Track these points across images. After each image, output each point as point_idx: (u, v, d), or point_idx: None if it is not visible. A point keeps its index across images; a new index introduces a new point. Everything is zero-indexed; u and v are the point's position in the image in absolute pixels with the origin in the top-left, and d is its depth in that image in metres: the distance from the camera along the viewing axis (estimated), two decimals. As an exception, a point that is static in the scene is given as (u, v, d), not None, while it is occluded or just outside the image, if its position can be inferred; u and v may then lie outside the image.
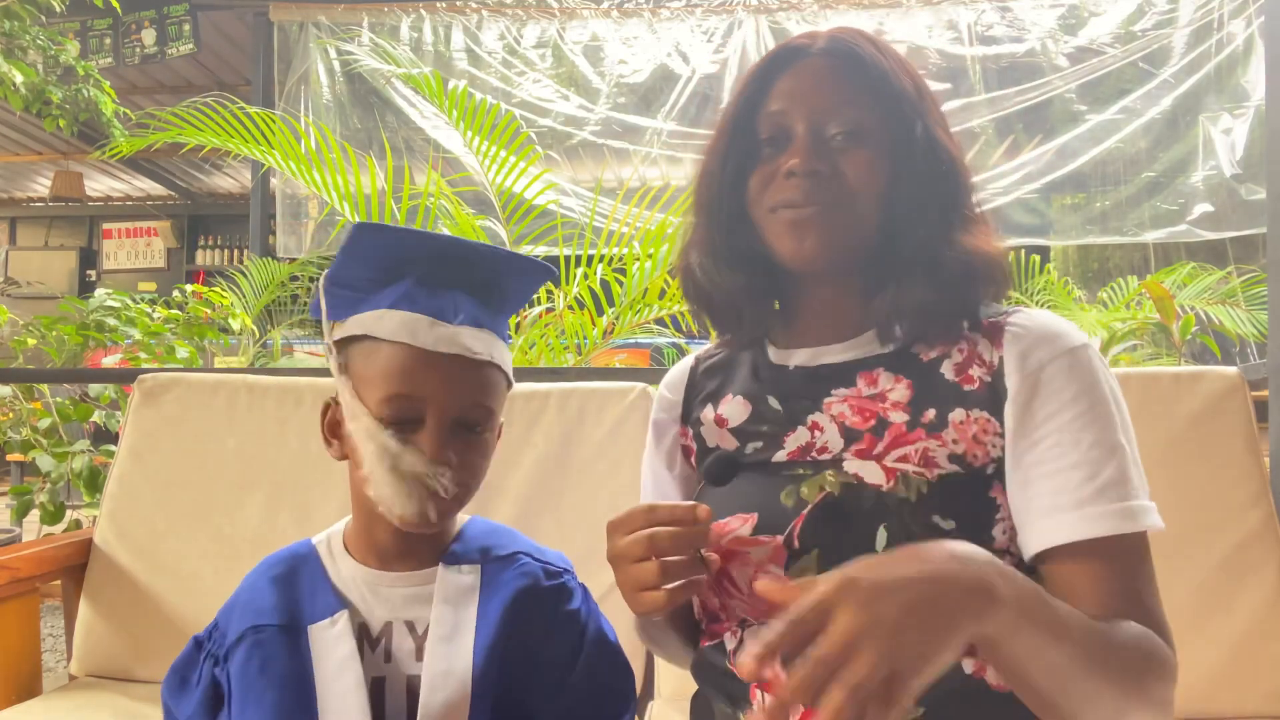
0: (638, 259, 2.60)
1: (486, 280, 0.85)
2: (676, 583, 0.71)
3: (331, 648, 0.81)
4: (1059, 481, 0.73)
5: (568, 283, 2.68)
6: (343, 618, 0.82)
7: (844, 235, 0.80)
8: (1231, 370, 1.33)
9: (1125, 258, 4.65)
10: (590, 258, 2.70)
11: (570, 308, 2.66)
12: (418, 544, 0.85)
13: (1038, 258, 3.99)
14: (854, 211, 0.80)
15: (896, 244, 0.81)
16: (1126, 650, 0.69)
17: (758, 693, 0.78)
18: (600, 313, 2.62)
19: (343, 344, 0.84)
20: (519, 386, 1.52)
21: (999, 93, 3.94)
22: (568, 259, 2.73)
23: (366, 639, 0.83)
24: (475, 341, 0.81)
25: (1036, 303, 3.93)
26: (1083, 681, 0.65)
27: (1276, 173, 1.52)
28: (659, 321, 2.75)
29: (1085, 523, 0.72)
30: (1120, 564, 0.72)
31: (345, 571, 0.86)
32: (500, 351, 0.84)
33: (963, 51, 3.97)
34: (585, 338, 2.60)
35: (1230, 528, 1.27)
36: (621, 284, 2.62)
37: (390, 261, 0.82)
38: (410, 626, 0.83)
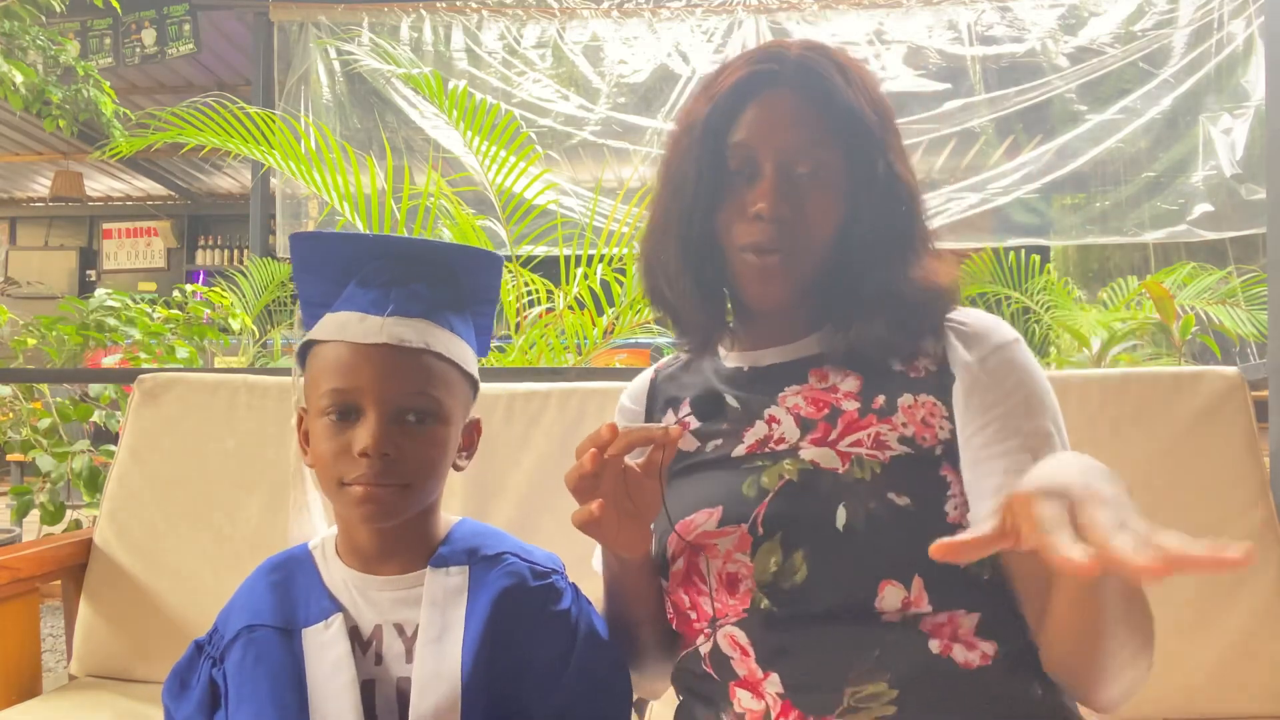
0: (637, 259, 2.59)
1: (430, 275, 0.85)
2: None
3: (325, 650, 0.81)
4: (1005, 462, 0.77)
5: (568, 283, 2.68)
6: (337, 620, 0.83)
7: (805, 276, 0.84)
8: (1231, 370, 1.33)
9: (1125, 258, 4.65)
10: (590, 258, 2.70)
11: (570, 308, 2.66)
12: (401, 546, 0.85)
13: (1038, 258, 3.99)
14: (815, 253, 0.83)
15: (851, 279, 0.84)
16: (1139, 599, 0.72)
17: (736, 691, 0.78)
18: (600, 313, 2.62)
19: (300, 355, 0.87)
20: (519, 386, 1.52)
21: (999, 93, 3.94)
22: (568, 259, 2.73)
23: (357, 642, 0.83)
24: (406, 330, 0.81)
25: (1037, 303, 3.94)
26: (1125, 618, 0.69)
27: (1276, 173, 1.52)
28: (659, 321, 2.74)
29: None
30: None
31: (337, 575, 0.87)
32: (443, 340, 0.83)
33: (963, 51, 3.97)
34: (585, 338, 2.60)
35: (1230, 528, 1.27)
36: (621, 284, 2.62)
37: (335, 269, 0.85)
38: (399, 629, 0.84)
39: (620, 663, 0.90)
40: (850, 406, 0.82)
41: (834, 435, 0.81)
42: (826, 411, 0.83)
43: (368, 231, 2.58)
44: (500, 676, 0.82)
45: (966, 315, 0.87)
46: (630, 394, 1.03)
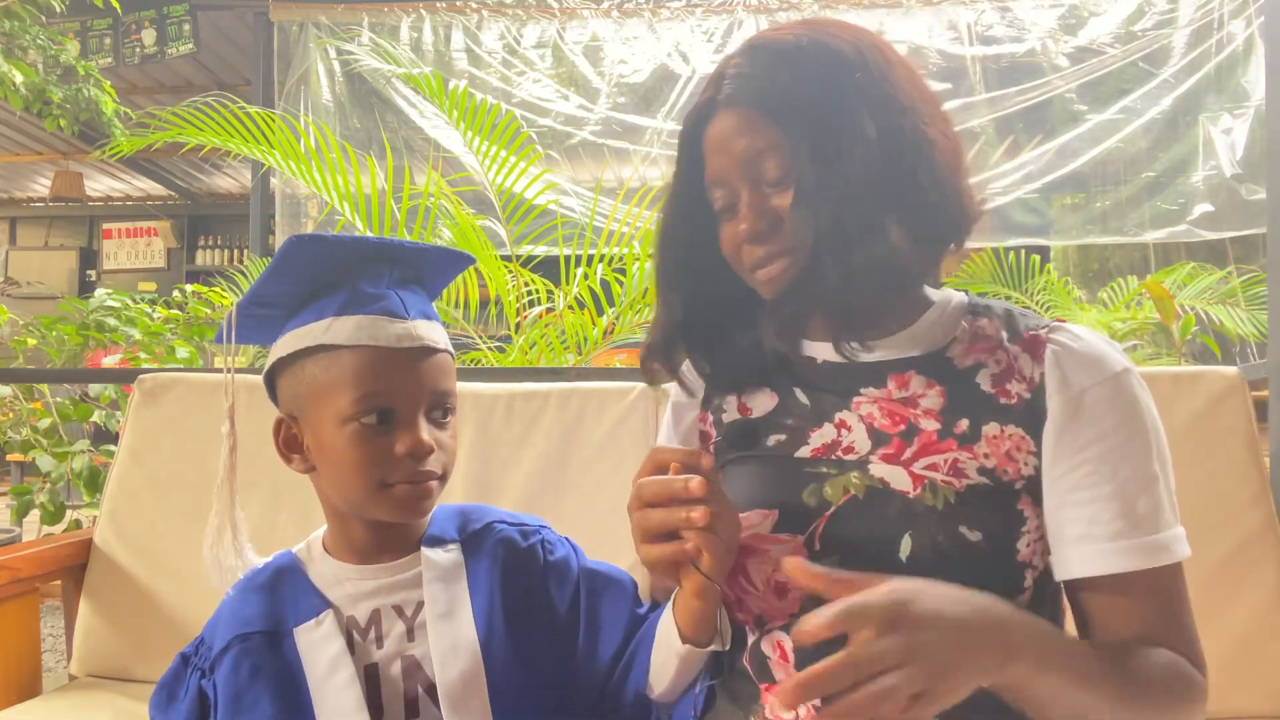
0: (638, 259, 2.60)
1: (415, 275, 0.88)
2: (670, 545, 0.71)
3: (320, 648, 0.82)
4: (1093, 511, 0.73)
5: (568, 283, 2.68)
6: (328, 617, 0.83)
7: (818, 275, 0.76)
8: (1231, 370, 1.33)
9: (1125, 258, 4.64)
10: (590, 258, 2.70)
11: (570, 308, 2.66)
12: (395, 535, 0.87)
13: (1038, 258, 3.99)
14: (810, 248, 0.76)
15: (839, 248, 0.76)
16: (1155, 684, 0.69)
17: (769, 697, 0.77)
18: (600, 313, 2.62)
19: (288, 361, 0.84)
20: (519, 386, 1.52)
21: (999, 93, 3.93)
22: (568, 259, 2.73)
23: (356, 630, 0.84)
24: (430, 332, 0.84)
25: (1037, 303, 3.94)
26: (1109, 717, 0.67)
27: (1276, 173, 1.52)
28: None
29: (1117, 556, 0.72)
30: (1152, 594, 0.73)
31: (328, 572, 0.87)
32: (446, 336, 0.88)
33: (963, 51, 3.96)
34: (585, 338, 2.60)
35: (1230, 528, 1.27)
36: (621, 284, 2.62)
37: (324, 271, 0.83)
38: (399, 610, 0.85)
39: (632, 583, 0.93)
40: (930, 426, 0.77)
41: (908, 454, 0.76)
42: (903, 427, 0.77)
43: (366, 232, 2.58)
44: (517, 637, 0.84)
45: (1074, 337, 0.78)
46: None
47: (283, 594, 0.86)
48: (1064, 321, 0.81)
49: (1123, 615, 0.73)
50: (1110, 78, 3.85)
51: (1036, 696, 0.65)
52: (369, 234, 2.57)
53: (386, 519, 0.84)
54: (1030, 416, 0.76)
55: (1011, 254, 3.97)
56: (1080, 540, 0.73)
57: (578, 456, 1.44)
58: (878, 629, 0.57)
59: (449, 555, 0.87)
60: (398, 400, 0.81)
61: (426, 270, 0.89)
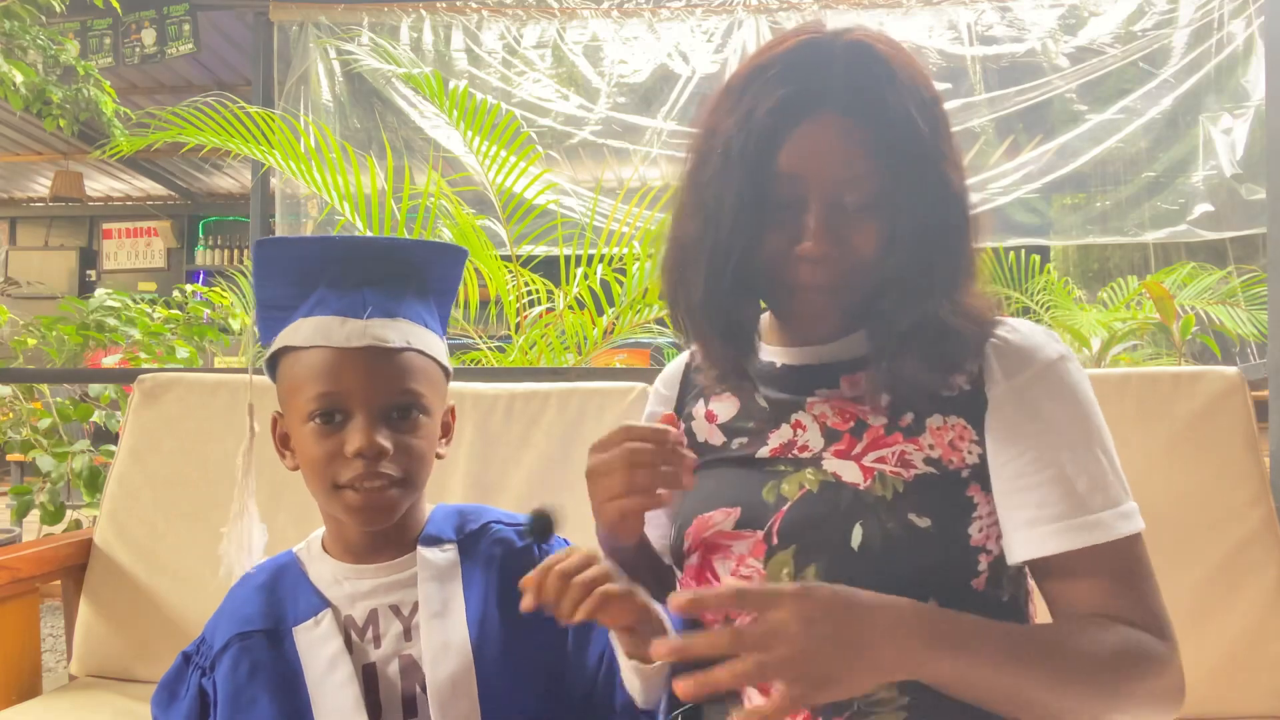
0: (638, 259, 2.60)
1: (400, 272, 0.87)
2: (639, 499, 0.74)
3: (318, 647, 0.82)
4: (1040, 495, 0.75)
5: (568, 283, 2.68)
6: (326, 617, 0.84)
7: (854, 305, 0.81)
8: (1231, 370, 1.33)
9: (1125, 258, 4.64)
10: (590, 258, 2.70)
11: (570, 308, 2.66)
12: (392, 535, 0.87)
13: (1038, 258, 3.99)
14: (864, 284, 0.79)
15: (898, 302, 0.78)
16: (1101, 660, 0.70)
17: (749, 690, 0.78)
18: (600, 313, 2.62)
19: (271, 361, 0.87)
20: (519, 386, 1.52)
21: (999, 93, 3.93)
22: (568, 259, 2.73)
23: (354, 629, 0.85)
24: (388, 331, 0.83)
25: (1037, 303, 3.94)
26: (1045, 698, 0.69)
27: (1276, 173, 1.52)
28: (659, 321, 2.75)
29: (1064, 535, 0.74)
30: (1106, 569, 0.75)
31: (326, 571, 0.88)
32: (421, 337, 0.86)
33: (963, 51, 3.96)
34: (585, 338, 2.60)
35: (1230, 528, 1.27)
36: (621, 284, 2.62)
37: (300, 273, 0.85)
38: (396, 610, 0.86)
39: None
40: (877, 421, 0.80)
41: (858, 449, 0.80)
42: (852, 424, 0.81)
43: (366, 232, 2.58)
44: (510, 638, 0.84)
45: (1011, 330, 0.82)
46: (664, 379, 1.02)
47: (282, 593, 0.86)
48: (1004, 317, 0.84)
49: (1080, 592, 0.75)
50: (1110, 78, 3.85)
51: (957, 689, 0.68)
52: (369, 234, 2.57)
53: (347, 523, 0.84)
54: (971, 407, 0.80)
55: (1011, 254, 3.97)
56: (1029, 524, 0.75)
57: (578, 456, 1.43)
58: (770, 608, 0.62)
59: (445, 555, 0.88)
60: (347, 401, 0.81)
61: (408, 267, 0.88)
